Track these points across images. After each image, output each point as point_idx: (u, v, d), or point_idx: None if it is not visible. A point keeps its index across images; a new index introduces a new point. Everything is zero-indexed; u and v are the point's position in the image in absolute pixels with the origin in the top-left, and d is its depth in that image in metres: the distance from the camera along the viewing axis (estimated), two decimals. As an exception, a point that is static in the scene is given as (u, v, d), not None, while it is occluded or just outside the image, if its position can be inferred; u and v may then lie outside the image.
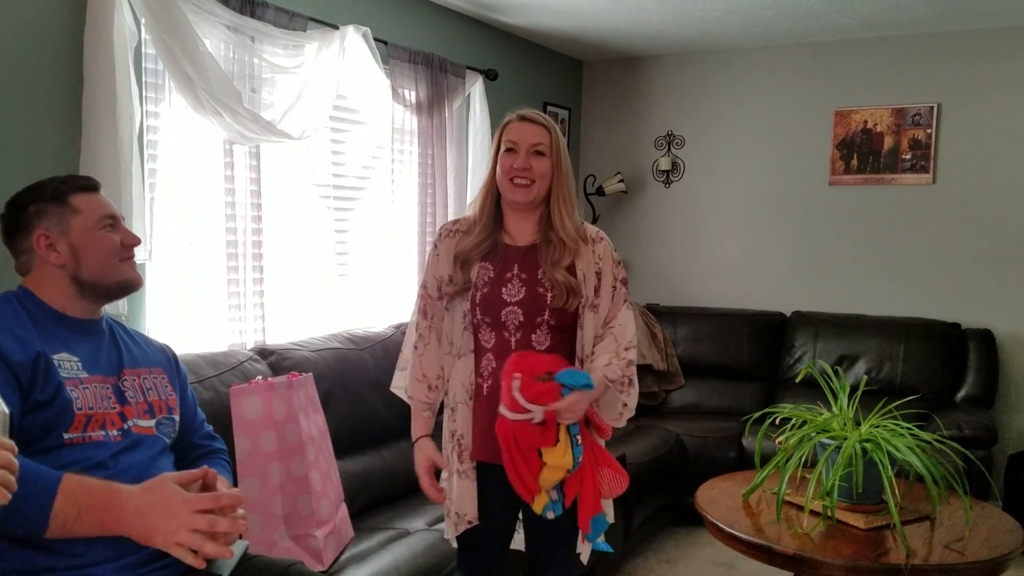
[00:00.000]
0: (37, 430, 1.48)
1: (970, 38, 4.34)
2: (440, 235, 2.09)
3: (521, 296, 1.97)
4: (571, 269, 1.99)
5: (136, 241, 1.78)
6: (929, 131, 4.43)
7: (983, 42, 4.31)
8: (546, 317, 1.96)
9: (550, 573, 2.08)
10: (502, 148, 2.01)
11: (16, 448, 1.32)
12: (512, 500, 1.99)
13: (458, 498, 2.02)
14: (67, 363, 1.61)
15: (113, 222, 1.74)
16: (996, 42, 4.29)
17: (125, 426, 1.66)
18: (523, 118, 2.01)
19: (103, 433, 1.61)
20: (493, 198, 2.05)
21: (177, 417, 1.80)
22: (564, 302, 1.95)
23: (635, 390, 2.03)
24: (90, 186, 1.76)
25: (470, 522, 2.01)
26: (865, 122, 4.58)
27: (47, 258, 1.66)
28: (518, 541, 2.16)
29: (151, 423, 1.71)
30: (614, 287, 2.03)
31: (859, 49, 4.58)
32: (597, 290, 2.00)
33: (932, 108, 4.42)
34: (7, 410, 1.35)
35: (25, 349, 1.54)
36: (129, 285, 1.77)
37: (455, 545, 2.12)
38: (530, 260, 2.01)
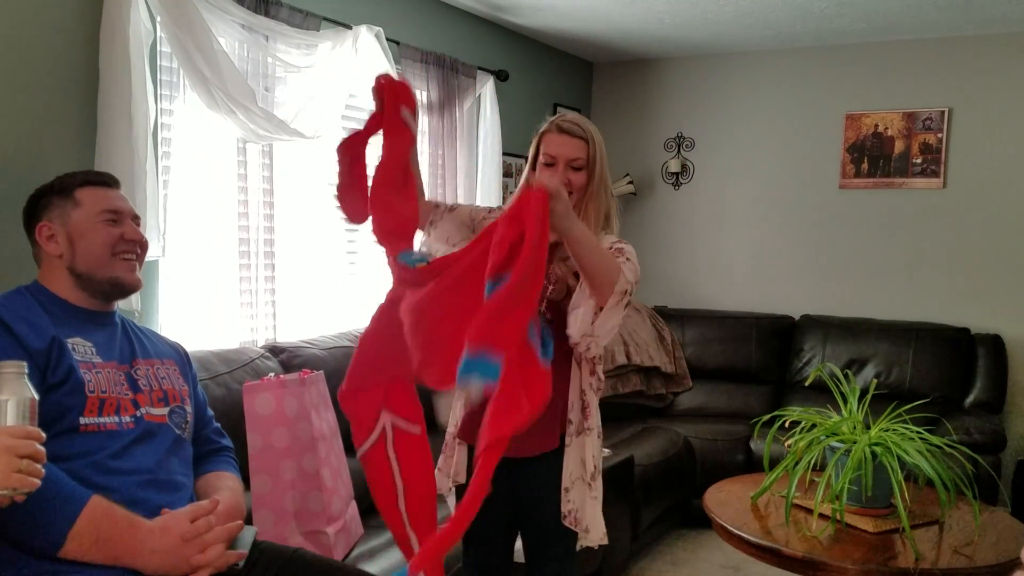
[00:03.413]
0: (53, 412, 1.49)
1: (982, 43, 4.33)
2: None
3: None
4: None
5: (137, 237, 1.74)
6: (940, 135, 4.43)
7: (995, 47, 4.31)
8: (543, 309, 1.92)
9: None
10: (540, 159, 2.00)
11: (43, 436, 1.33)
12: (501, 496, 1.98)
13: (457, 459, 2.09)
14: (81, 347, 1.62)
15: (116, 217, 1.72)
16: (1008, 47, 4.28)
17: (138, 413, 1.66)
18: (561, 129, 1.99)
19: (116, 419, 1.61)
20: None
21: (189, 409, 1.80)
22: (563, 295, 1.93)
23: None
24: (99, 181, 1.76)
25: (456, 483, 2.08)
26: (876, 126, 4.58)
27: (47, 248, 1.69)
28: (517, 552, 2.17)
29: (164, 411, 1.72)
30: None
31: (870, 53, 4.58)
32: None
33: (943, 112, 4.41)
34: (36, 396, 1.36)
35: (41, 336, 1.55)
36: (121, 285, 1.72)
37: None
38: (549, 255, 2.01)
